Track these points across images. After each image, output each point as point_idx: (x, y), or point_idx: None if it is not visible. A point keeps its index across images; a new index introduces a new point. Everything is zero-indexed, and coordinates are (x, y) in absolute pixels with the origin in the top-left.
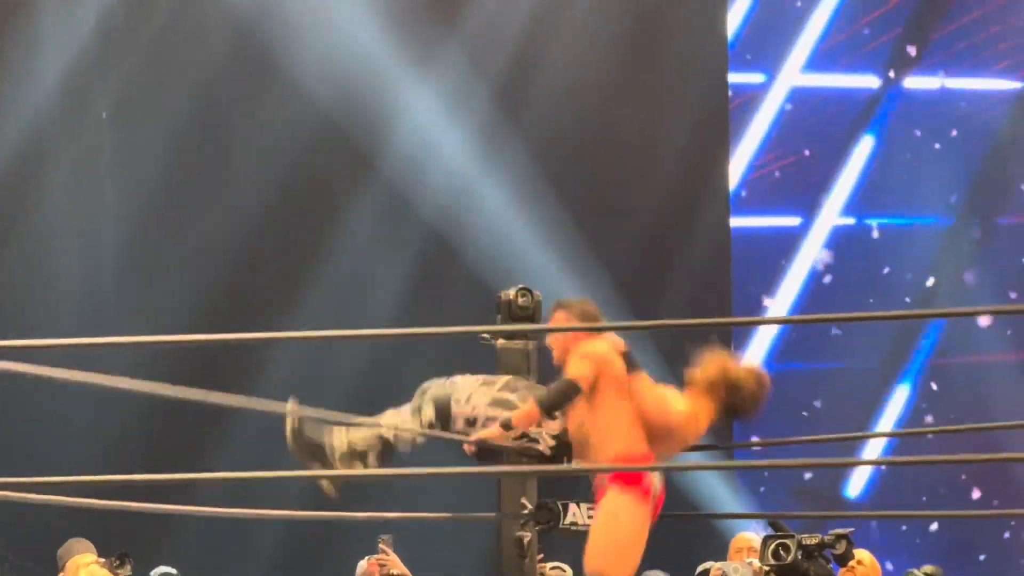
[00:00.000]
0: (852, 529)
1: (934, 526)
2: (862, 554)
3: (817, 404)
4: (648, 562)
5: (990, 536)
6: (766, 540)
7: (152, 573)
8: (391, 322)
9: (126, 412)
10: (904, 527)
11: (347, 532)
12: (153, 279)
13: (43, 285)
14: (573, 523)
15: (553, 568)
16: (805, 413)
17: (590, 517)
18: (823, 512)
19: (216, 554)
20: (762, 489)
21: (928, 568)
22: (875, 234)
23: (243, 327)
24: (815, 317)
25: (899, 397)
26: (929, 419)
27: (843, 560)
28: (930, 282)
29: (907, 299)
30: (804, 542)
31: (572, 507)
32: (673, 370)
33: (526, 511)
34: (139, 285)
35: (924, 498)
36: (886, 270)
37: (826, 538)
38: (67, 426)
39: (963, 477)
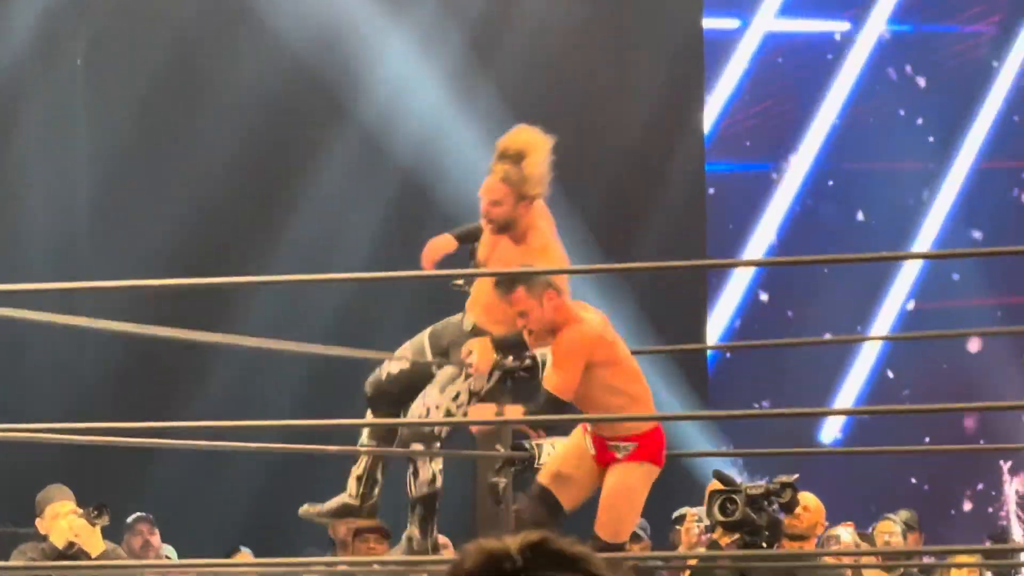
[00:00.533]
0: (796, 476)
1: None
2: (807, 499)
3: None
4: None
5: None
6: (712, 495)
7: (129, 520)
8: (365, 267)
9: (100, 358)
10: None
11: (322, 480)
12: (127, 224)
13: (15, 230)
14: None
15: None
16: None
17: None
18: (798, 449)
19: (191, 504)
20: (732, 444)
21: (904, 513)
22: (850, 179)
23: (218, 272)
24: (788, 260)
25: (872, 345)
26: (889, 374)
27: (789, 508)
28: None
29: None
30: (749, 492)
31: (546, 447)
32: (648, 313)
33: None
34: (113, 231)
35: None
36: (860, 216)
37: (771, 486)
38: (40, 371)
39: (927, 439)
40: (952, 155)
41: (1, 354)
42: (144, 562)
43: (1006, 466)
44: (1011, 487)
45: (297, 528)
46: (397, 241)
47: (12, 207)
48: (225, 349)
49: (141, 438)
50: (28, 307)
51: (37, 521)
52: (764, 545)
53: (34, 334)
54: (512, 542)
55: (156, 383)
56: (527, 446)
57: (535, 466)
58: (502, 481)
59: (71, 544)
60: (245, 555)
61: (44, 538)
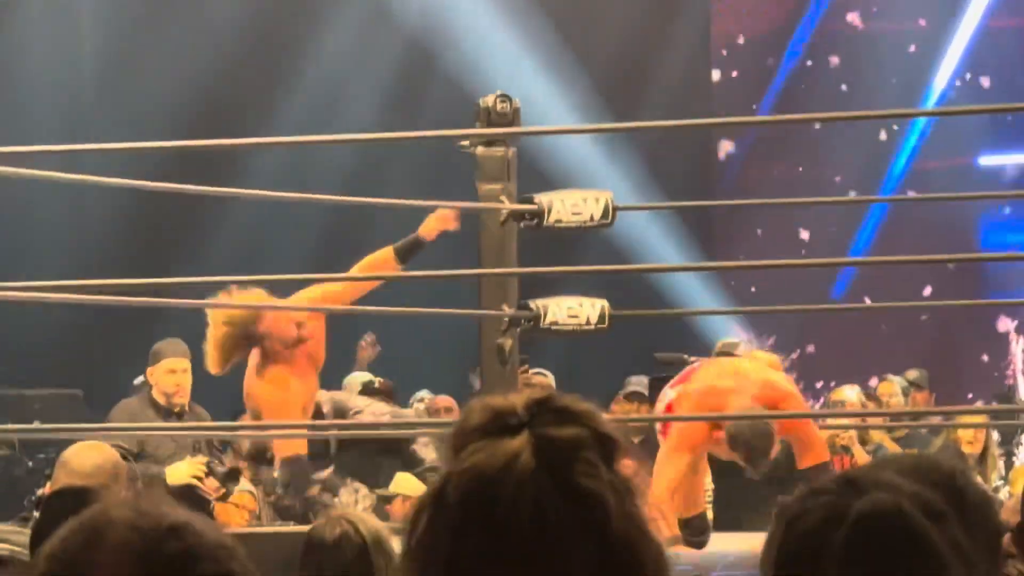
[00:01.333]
0: (735, 342)
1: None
2: (741, 363)
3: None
4: (631, 368)
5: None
6: (652, 384)
7: (136, 382)
8: (370, 131)
9: (105, 222)
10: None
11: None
12: (133, 83)
13: (21, 92)
14: (554, 323)
15: (536, 374)
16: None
17: (571, 316)
18: (815, 306)
19: (196, 366)
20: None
21: (912, 372)
22: (857, 33)
23: (222, 134)
24: (793, 117)
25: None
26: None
27: None
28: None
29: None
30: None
31: (552, 306)
32: (653, 172)
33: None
34: (118, 89)
35: None
36: (867, 71)
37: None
38: (45, 235)
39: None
40: (959, 13)
41: (6, 217)
42: (151, 425)
43: (1012, 325)
44: (1017, 346)
45: None
46: (402, 105)
47: (18, 64)
48: (231, 215)
49: (145, 298)
50: (34, 167)
51: (148, 371)
52: None
53: (39, 198)
54: (517, 398)
55: (161, 249)
56: (532, 306)
57: (541, 326)
58: (508, 342)
59: (188, 486)
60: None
61: (151, 388)
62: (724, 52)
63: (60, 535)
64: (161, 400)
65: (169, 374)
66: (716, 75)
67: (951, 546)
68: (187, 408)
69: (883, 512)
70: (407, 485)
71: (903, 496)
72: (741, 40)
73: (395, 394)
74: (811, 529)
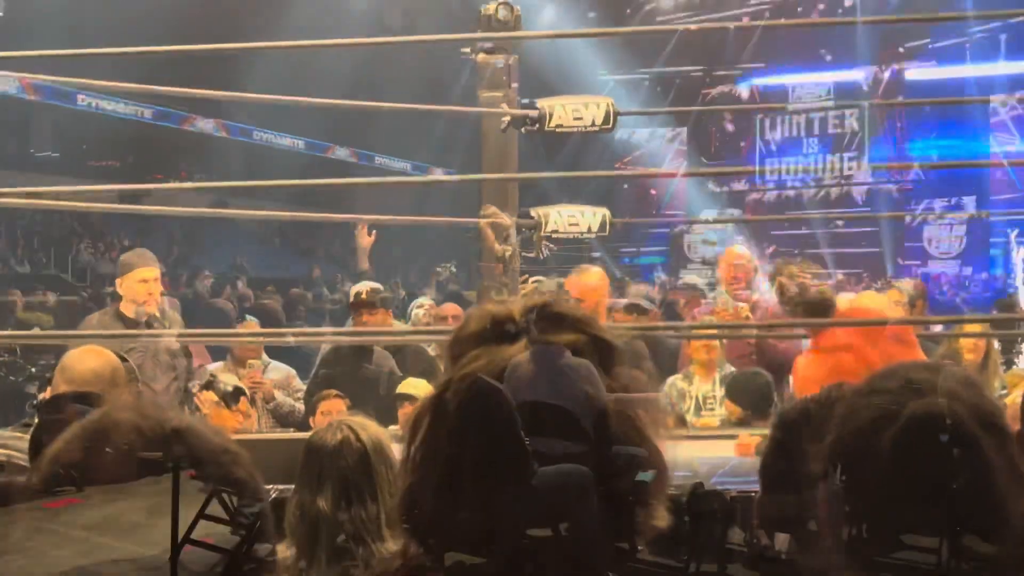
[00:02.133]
0: (551, 294)
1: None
2: (581, 287)
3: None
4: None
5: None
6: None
7: None
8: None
9: (101, 133)
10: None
11: (325, 243)
12: None
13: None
14: (555, 231)
15: (535, 280)
16: None
17: (572, 224)
18: (810, 213)
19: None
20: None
21: (906, 283)
22: None
23: (221, 41)
24: (796, 22)
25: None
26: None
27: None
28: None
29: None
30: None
31: (553, 215)
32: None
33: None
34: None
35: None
36: None
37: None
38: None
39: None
40: None
41: (6, 126)
42: (152, 331)
43: (1013, 234)
44: (1018, 255)
45: None
46: (404, 11)
47: None
48: (232, 115)
49: (143, 206)
50: (37, 72)
51: (118, 282)
52: None
53: (37, 108)
54: (514, 305)
55: (159, 158)
56: (532, 214)
57: (541, 233)
58: (508, 249)
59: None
60: (252, 325)
61: (120, 298)
62: None
63: (64, 437)
64: (128, 312)
65: (141, 283)
66: None
67: (1003, 458)
68: (157, 316)
69: (934, 416)
70: (416, 388)
71: (960, 403)
72: None
73: (388, 302)
74: (862, 427)
